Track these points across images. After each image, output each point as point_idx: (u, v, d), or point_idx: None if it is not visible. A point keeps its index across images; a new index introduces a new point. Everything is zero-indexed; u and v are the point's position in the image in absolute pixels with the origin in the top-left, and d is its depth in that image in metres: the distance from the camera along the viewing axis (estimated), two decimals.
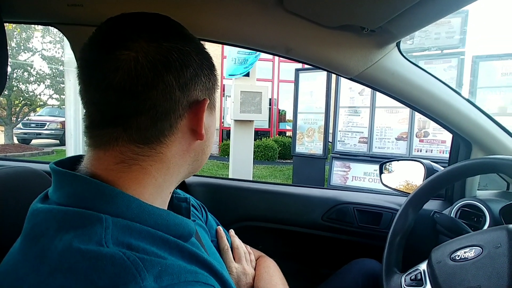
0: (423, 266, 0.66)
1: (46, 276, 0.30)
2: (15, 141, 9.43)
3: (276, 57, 8.81)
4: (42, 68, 10.15)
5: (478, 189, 0.98)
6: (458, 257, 0.58)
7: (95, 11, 0.73)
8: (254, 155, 5.03)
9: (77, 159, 0.41)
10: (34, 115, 11.00)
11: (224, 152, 8.04)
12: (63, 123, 8.72)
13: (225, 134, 9.06)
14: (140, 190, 0.38)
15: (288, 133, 9.67)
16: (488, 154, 0.89)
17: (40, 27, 9.35)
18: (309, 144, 4.91)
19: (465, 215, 0.91)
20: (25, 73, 9.58)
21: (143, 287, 0.28)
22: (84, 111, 0.39)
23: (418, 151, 4.06)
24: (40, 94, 10.31)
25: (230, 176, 4.34)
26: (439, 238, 0.94)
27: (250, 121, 4.21)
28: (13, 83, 9.20)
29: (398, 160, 1.16)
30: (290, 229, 1.13)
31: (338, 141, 4.63)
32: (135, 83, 0.35)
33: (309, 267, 1.20)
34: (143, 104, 0.36)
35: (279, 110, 10.20)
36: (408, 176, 1.07)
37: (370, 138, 4.37)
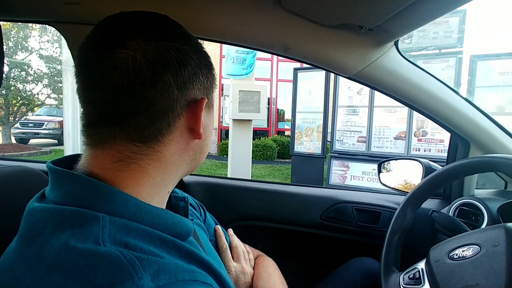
0: (421, 265, 0.66)
1: (42, 275, 0.29)
2: (13, 140, 9.39)
3: (275, 57, 8.83)
4: (40, 67, 10.13)
5: (476, 188, 0.99)
6: (456, 255, 0.58)
7: (92, 9, 0.73)
8: (252, 154, 5.03)
9: (75, 158, 0.41)
10: (32, 115, 10.97)
11: (223, 151, 8.03)
12: (61, 123, 8.69)
13: (224, 134, 9.06)
14: (138, 189, 0.38)
15: (287, 133, 9.67)
16: (486, 153, 0.89)
17: (37, 26, 9.32)
18: (307, 143, 4.92)
19: (463, 214, 0.91)
20: (23, 73, 9.54)
21: (140, 286, 0.28)
22: (82, 109, 0.39)
23: (416, 150, 4.07)
24: (38, 94, 10.28)
25: (228, 176, 4.34)
26: (437, 237, 0.94)
27: (248, 120, 4.21)
28: (10, 82, 9.16)
29: (396, 159, 1.16)
30: (288, 228, 1.13)
31: (337, 140, 4.63)
32: (133, 81, 0.35)
33: (307, 266, 1.20)
34: (141, 103, 0.36)
35: (278, 109, 10.20)
36: (406, 175, 1.08)
37: (369, 138, 4.38)
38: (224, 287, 0.39)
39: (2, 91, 8.88)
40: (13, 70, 9.32)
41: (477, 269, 0.53)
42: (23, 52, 9.57)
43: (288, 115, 9.85)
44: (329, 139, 4.86)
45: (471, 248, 0.56)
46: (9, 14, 0.79)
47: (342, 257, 1.00)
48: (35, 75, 9.79)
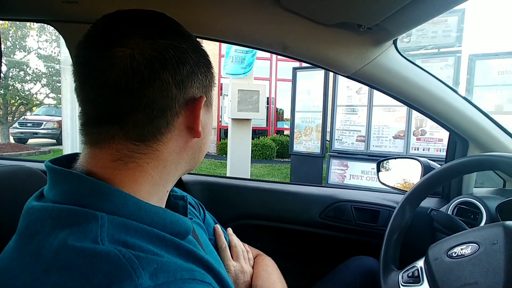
0: (420, 263, 0.66)
1: (41, 273, 0.29)
2: (12, 140, 9.37)
3: (274, 56, 8.82)
4: (38, 67, 10.11)
5: (474, 187, 0.99)
6: (455, 254, 0.58)
7: (90, 8, 0.73)
8: (252, 153, 5.03)
9: (73, 157, 0.41)
10: (31, 115, 10.94)
11: (222, 151, 8.03)
12: (59, 123, 8.68)
13: (223, 133, 9.05)
14: (137, 187, 0.38)
15: (286, 132, 9.67)
16: (485, 151, 0.89)
17: (36, 25, 9.29)
18: (306, 142, 4.92)
19: (462, 212, 0.91)
20: (21, 72, 9.51)
21: (138, 284, 0.28)
22: (80, 108, 0.39)
23: (415, 149, 4.08)
24: (36, 93, 10.26)
25: (228, 175, 4.34)
26: (436, 235, 0.95)
27: (247, 119, 4.21)
28: (9, 82, 9.13)
29: (395, 158, 1.16)
30: (288, 227, 1.13)
31: (336, 139, 4.64)
32: (131, 80, 0.35)
33: (307, 265, 1.20)
34: (139, 102, 0.36)
35: (277, 108, 10.20)
36: (405, 174, 1.08)
37: (368, 137, 4.39)
38: (223, 286, 0.39)
39: (0, 91, 8.86)
40: (12, 69, 9.29)
41: (476, 267, 0.53)
42: (21, 51, 9.54)
43: (287, 115, 9.86)
44: (328, 138, 4.87)
45: (470, 246, 0.57)
46: (7, 13, 0.79)
47: (341, 256, 1.00)
48: (34, 75, 9.76)
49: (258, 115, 4.20)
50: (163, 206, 0.44)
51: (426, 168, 0.98)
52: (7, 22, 8.05)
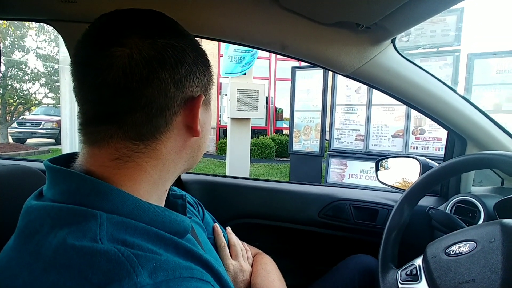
0: (418, 261, 0.67)
1: (40, 272, 0.29)
2: (10, 140, 9.35)
3: (273, 55, 8.82)
4: (37, 66, 10.08)
5: (473, 185, 0.99)
6: (452, 252, 0.59)
7: (89, 7, 0.72)
8: (251, 153, 5.03)
9: (72, 156, 0.41)
10: (29, 114, 10.92)
11: (221, 150, 8.03)
12: (58, 122, 8.67)
13: (222, 133, 9.05)
14: (136, 186, 0.38)
15: (285, 131, 9.67)
16: (483, 150, 0.90)
17: (34, 25, 9.27)
18: (306, 142, 4.92)
19: (460, 210, 0.92)
20: (20, 72, 9.49)
21: (137, 283, 0.28)
22: (79, 108, 0.39)
23: (414, 148, 4.09)
24: (35, 93, 10.25)
25: (227, 175, 4.34)
26: (434, 234, 0.95)
27: (246, 119, 4.21)
28: (7, 82, 9.11)
29: (394, 157, 1.16)
30: (287, 226, 1.13)
31: (335, 139, 4.65)
32: (130, 79, 0.35)
33: (306, 263, 1.20)
34: (138, 101, 0.36)
35: (276, 108, 10.20)
36: (404, 172, 1.08)
37: (367, 136, 4.39)
38: (222, 285, 0.39)
39: None
40: (10, 69, 9.26)
41: (473, 265, 0.53)
42: (20, 51, 9.52)
43: (286, 114, 9.86)
44: (327, 137, 4.87)
45: (468, 244, 0.57)
46: (6, 13, 0.78)
47: (340, 255, 1.00)
48: (32, 74, 9.74)
49: (257, 115, 4.19)
50: (162, 205, 0.44)
51: (424, 167, 0.98)
52: (5, 21, 8.03)
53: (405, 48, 4.18)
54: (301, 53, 0.82)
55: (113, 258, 0.29)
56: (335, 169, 4.58)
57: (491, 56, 3.92)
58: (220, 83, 8.71)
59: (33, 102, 10.23)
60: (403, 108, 4.09)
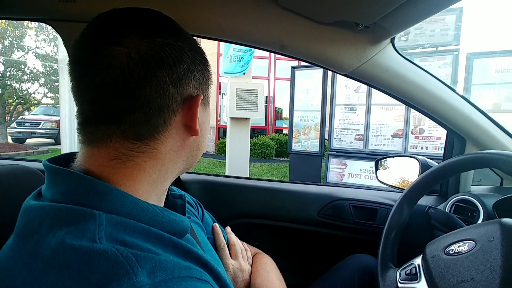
0: (417, 261, 0.67)
1: (39, 273, 0.29)
2: (9, 140, 9.33)
3: (272, 55, 8.81)
4: (36, 66, 10.06)
5: (472, 185, 0.99)
6: (452, 251, 0.59)
7: (87, 7, 0.72)
8: (250, 153, 5.03)
9: (71, 156, 0.41)
10: (28, 114, 10.90)
11: (221, 150, 8.03)
12: (57, 122, 8.66)
13: (222, 132, 9.05)
14: (135, 186, 0.38)
15: (285, 131, 9.67)
16: (482, 149, 0.90)
17: (33, 24, 9.26)
18: (305, 141, 4.92)
19: (459, 210, 0.92)
20: (19, 72, 9.48)
21: (136, 282, 0.28)
22: (77, 108, 0.38)
23: (413, 148, 4.09)
24: (34, 93, 10.23)
25: (226, 174, 4.34)
26: (433, 233, 0.95)
27: (246, 118, 4.21)
28: (6, 81, 9.10)
29: (393, 157, 1.16)
30: (286, 226, 1.13)
31: (334, 138, 4.65)
32: (128, 79, 0.35)
33: (305, 263, 1.20)
34: (136, 101, 0.36)
35: (276, 107, 10.20)
36: (403, 172, 1.08)
37: (366, 135, 4.39)
38: (221, 284, 0.39)
39: None
40: (9, 69, 9.25)
41: (473, 264, 0.53)
42: (19, 51, 9.50)
43: (286, 114, 9.86)
44: (326, 137, 4.87)
45: (467, 244, 0.57)
46: (4, 12, 0.78)
47: (340, 254, 1.00)
48: (31, 74, 9.72)
49: (257, 114, 4.20)
50: (162, 205, 0.44)
51: (424, 166, 0.98)
52: (4, 21, 8.02)
53: (404, 48, 4.18)
54: (300, 52, 0.82)
55: (111, 258, 0.29)
56: (334, 169, 4.59)
57: (490, 55, 3.92)
58: (220, 83, 8.71)
59: (32, 102, 10.22)
60: (402, 107, 4.09)
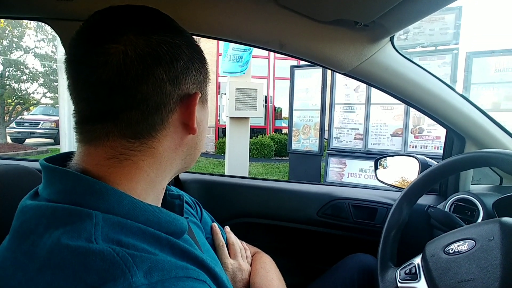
0: (417, 260, 0.67)
1: (34, 273, 0.29)
2: (9, 140, 9.32)
3: (272, 54, 8.81)
4: (35, 66, 10.05)
5: (471, 184, 0.99)
6: (451, 250, 0.58)
7: (85, 5, 0.72)
8: (250, 152, 5.03)
9: (68, 155, 0.41)
10: (28, 114, 10.89)
11: (220, 149, 8.02)
12: (57, 122, 8.65)
13: (221, 132, 9.04)
14: (132, 185, 0.37)
15: (284, 130, 9.67)
16: (481, 148, 0.90)
17: (32, 24, 9.24)
18: (304, 141, 4.92)
19: (459, 209, 0.92)
20: (18, 72, 9.46)
21: (132, 283, 0.28)
22: (74, 107, 0.38)
23: (413, 147, 4.09)
24: (33, 93, 10.21)
25: (226, 174, 4.34)
26: (433, 232, 0.95)
27: (245, 118, 4.20)
28: (5, 81, 9.08)
29: (393, 156, 1.16)
30: (285, 225, 1.13)
31: (334, 138, 4.65)
32: (125, 77, 0.35)
33: (305, 262, 1.20)
34: (133, 99, 0.35)
35: (275, 107, 10.20)
36: (403, 171, 1.08)
37: (366, 135, 4.39)
38: (219, 285, 0.39)
39: None
40: (8, 69, 9.23)
41: (472, 264, 0.53)
42: (18, 50, 9.48)
43: (285, 113, 9.85)
44: (326, 136, 4.87)
45: (466, 243, 0.57)
46: (1, 11, 0.78)
47: (339, 254, 1.00)
48: (30, 74, 9.70)
49: (256, 114, 4.19)
50: (160, 204, 0.44)
51: (423, 166, 0.98)
52: (2, 20, 8.00)
53: (403, 47, 4.18)
54: (299, 51, 0.81)
55: (108, 258, 0.29)
56: (334, 168, 4.58)
57: (490, 54, 3.92)
58: (219, 82, 8.70)
59: (31, 102, 10.19)
60: (402, 107, 4.09)
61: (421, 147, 4.05)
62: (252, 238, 0.86)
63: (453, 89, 0.85)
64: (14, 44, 9.27)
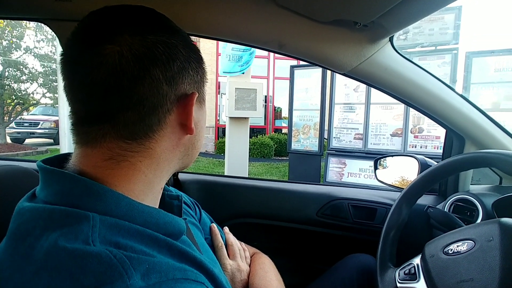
0: (416, 260, 0.67)
1: (31, 275, 0.29)
2: (8, 140, 9.31)
3: (272, 54, 8.80)
4: (35, 66, 10.03)
5: (471, 184, 0.99)
6: (451, 251, 0.58)
7: (84, 6, 0.72)
8: (250, 152, 5.03)
9: (65, 157, 0.41)
10: (27, 114, 10.88)
11: (220, 149, 8.02)
12: (56, 122, 8.63)
13: (221, 132, 9.05)
14: (130, 186, 0.37)
15: (284, 130, 9.67)
16: (481, 148, 0.90)
17: (32, 24, 9.23)
18: (304, 141, 4.92)
19: (458, 209, 0.92)
20: (17, 72, 9.45)
21: (129, 285, 0.28)
22: (70, 108, 0.38)
23: (412, 147, 4.09)
24: (33, 93, 10.19)
25: (225, 174, 4.34)
26: (432, 233, 0.95)
27: (245, 118, 4.20)
28: (5, 81, 9.07)
29: (392, 156, 1.16)
30: (285, 226, 1.13)
31: (334, 137, 4.64)
32: (120, 78, 0.34)
33: (304, 263, 1.20)
34: (129, 99, 0.35)
35: (275, 107, 10.20)
36: (402, 171, 1.08)
37: (365, 135, 4.39)
38: (217, 286, 0.39)
39: None
40: (8, 69, 9.22)
41: (472, 264, 0.53)
42: (17, 50, 9.47)
43: (285, 113, 9.85)
44: (326, 136, 4.87)
45: (466, 243, 0.57)
46: (0, 11, 0.78)
47: (339, 254, 1.00)
48: (30, 74, 9.69)
49: (256, 114, 4.19)
50: (158, 204, 0.43)
51: (422, 166, 0.98)
52: (2, 21, 7.99)
53: (403, 47, 4.18)
54: (299, 51, 0.81)
55: (105, 260, 0.28)
56: (334, 168, 4.58)
57: (489, 54, 3.91)
58: (219, 82, 8.70)
59: (31, 102, 10.18)
60: (401, 106, 4.08)
61: (420, 147, 4.05)
62: (251, 239, 0.86)
63: (453, 89, 0.85)
64: (13, 44, 9.25)
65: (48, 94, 10.60)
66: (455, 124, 0.89)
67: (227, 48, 4.00)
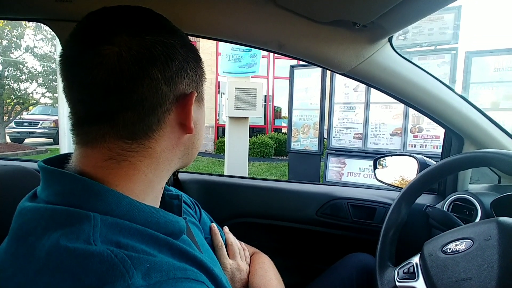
0: (415, 259, 0.67)
1: (33, 275, 0.29)
2: (8, 140, 9.30)
3: (271, 54, 8.80)
4: (34, 66, 10.02)
5: (470, 183, 0.99)
6: (449, 250, 0.59)
7: (84, 6, 0.72)
8: (249, 152, 5.02)
9: (66, 157, 0.41)
10: (27, 114, 10.87)
11: (220, 149, 8.02)
12: (56, 122, 8.62)
13: (221, 132, 9.05)
14: (130, 186, 0.37)
15: (284, 130, 9.67)
16: (480, 148, 0.90)
17: (31, 24, 9.22)
18: (304, 140, 4.92)
19: (457, 208, 0.92)
20: (17, 72, 9.44)
21: (131, 284, 0.28)
22: (69, 108, 0.38)
23: (412, 146, 4.09)
24: (32, 93, 10.18)
25: (225, 174, 4.34)
26: (431, 232, 0.95)
27: (245, 118, 4.20)
28: (4, 81, 9.07)
29: (392, 155, 1.17)
30: (284, 225, 1.13)
31: (333, 137, 4.64)
32: (120, 78, 0.35)
33: (303, 262, 1.20)
34: (129, 100, 0.35)
35: (274, 106, 10.20)
36: (401, 171, 1.08)
37: (365, 134, 4.39)
38: (218, 285, 0.39)
39: None
40: (7, 68, 9.22)
41: (470, 263, 0.53)
42: (17, 50, 9.45)
43: (285, 113, 9.85)
44: (325, 136, 4.87)
45: (464, 242, 0.57)
46: (0, 12, 0.78)
47: (338, 253, 1.00)
48: (30, 74, 9.68)
49: (255, 113, 4.18)
50: (158, 204, 0.44)
51: (422, 165, 0.98)
52: (1, 21, 7.98)
53: (402, 47, 4.18)
54: (298, 52, 0.82)
55: (106, 259, 0.29)
56: (333, 168, 4.59)
57: (489, 54, 3.92)
58: (219, 82, 8.70)
59: (30, 102, 10.17)
60: (401, 106, 4.08)
61: (420, 146, 4.05)
62: (251, 238, 0.86)
63: (452, 89, 0.85)
64: (13, 44, 9.24)
65: (47, 94, 10.60)
66: (454, 124, 0.89)
67: (226, 47, 3.99)
